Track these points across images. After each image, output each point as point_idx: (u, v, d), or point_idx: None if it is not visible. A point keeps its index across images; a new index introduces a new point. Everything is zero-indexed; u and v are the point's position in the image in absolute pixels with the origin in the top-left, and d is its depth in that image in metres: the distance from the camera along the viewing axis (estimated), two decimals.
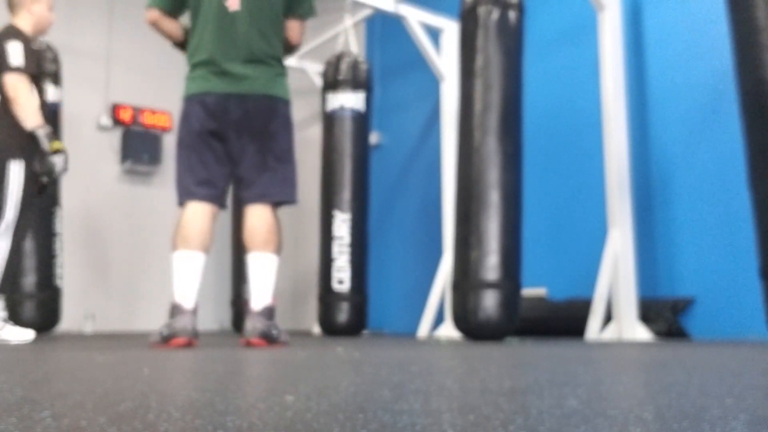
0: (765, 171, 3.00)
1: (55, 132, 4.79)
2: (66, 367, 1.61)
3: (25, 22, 3.58)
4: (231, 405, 0.80)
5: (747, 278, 3.49)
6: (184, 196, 2.94)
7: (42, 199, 3.69)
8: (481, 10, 3.92)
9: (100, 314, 5.84)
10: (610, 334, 3.99)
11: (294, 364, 1.66)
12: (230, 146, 2.89)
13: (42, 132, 3.41)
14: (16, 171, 3.40)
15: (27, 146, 3.43)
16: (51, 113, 4.77)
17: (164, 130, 6.31)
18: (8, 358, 1.96)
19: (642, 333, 3.96)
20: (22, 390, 0.98)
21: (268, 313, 2.78)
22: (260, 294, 2.82)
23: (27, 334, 3.32)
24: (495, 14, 3.91)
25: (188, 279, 2.81)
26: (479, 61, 3.89)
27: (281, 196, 2.92)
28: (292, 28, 2.98)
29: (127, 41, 6.24)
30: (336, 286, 5.00)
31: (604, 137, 4.22)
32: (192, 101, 2.90)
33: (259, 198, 2.89)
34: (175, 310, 2.76)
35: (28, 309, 4.55)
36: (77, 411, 0.75)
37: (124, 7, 6.29)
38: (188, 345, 2.70)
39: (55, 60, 4.81)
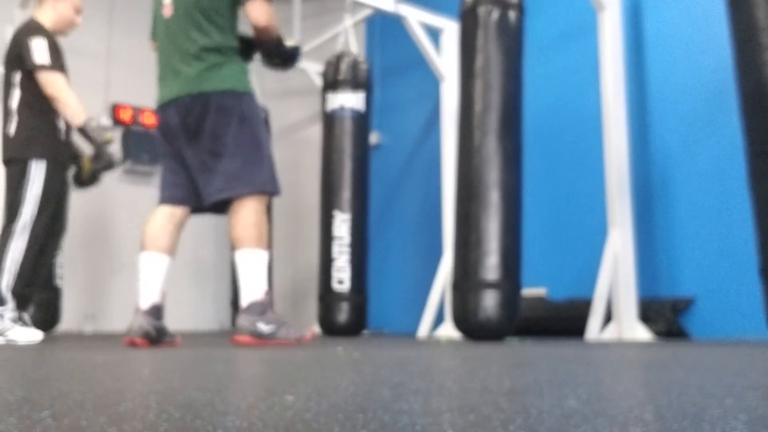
0: (765, 171, 3.00)
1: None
2: (66, 367, 1.61)
3: (46, 17, 3.53)
4: (231, 405, 0.80)
5: (747, 278, 3.49)
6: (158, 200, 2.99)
7: (65, 206, 3.68)
8: (481, 10, 3.92)
9: (100, 314, 5.84)
10: (610, 334, 3.99)
11: (294, 364, 1.66)
12: (180, 152, 2.89)
13: (91, 126, 3.35)
14: (37, 171, 3.37)
15: (49, 145, 3.41)
16: None
17: None
18: (8, 358, 1.96)
19: (642, 333, 3.96)
20: (22, 390, 0.98)
21: (255, 309, 2.68)
22: (244, 290, 2.76)
23: (35, 335, 3.29)
24: (495, 14, 3.90)
25: (144, 279, 2.83)
26: (479, 61, 3.89)
27: (224, 194, 2.77)
28: (246, 12, 2.83)
29: (127, 41, 6.24)
30: (336, 286, 5.00)
31: (604, 137, 4.22)
32: (156, 113, 2.97)
33: (207, 199, 2.83)
34: (135, 310, 2.81)
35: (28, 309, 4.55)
36: (77, 411, 0.75)
37: (124, 7, 6.29)
38: (135, 344, 2.69)
39: None
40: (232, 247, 2.91)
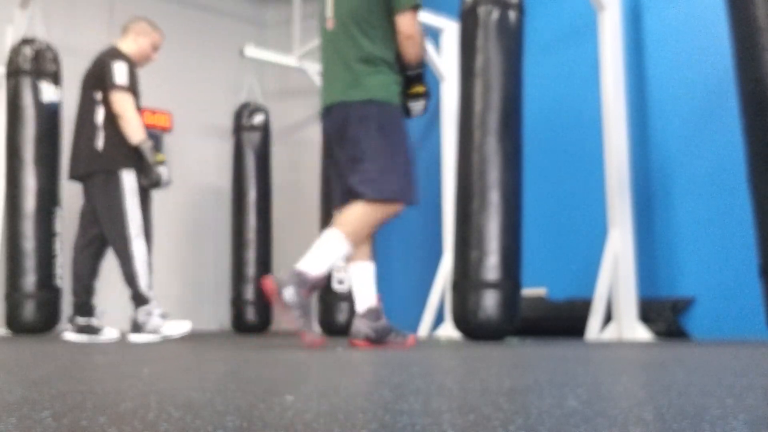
0: (765, 171, 3.00)
1: (56, 132, 4.80)
2: (66, 367, 1.61)
3: (128, 47, 3.91)
4: (231, 405, 0.80)
5: (747, 278, 3.49)
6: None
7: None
8: (481, 10, 3.92)
9: (100, 314, 5.83)
10: (610, 334, 3.99)
11: (294, 364, 1.66)
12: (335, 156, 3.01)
13: (147, 146, 3.72)
14: (129, 179, 3.71)
15: (134, 156, 3.73)
16: (51, 113, 4.79)
17: (164, 130, 6.31)
18: (8, 358, 1.96)
19: (642, 333, 3.96)
20: (22, 390, 0.98)
21: (371, 315, 2.81)
22: (358, 297, 2.88)
23: (185, 326, 3.65)
24: (495, 14, 3.90)
25: (356, 287, 2.93)
26: (479, 61, 3.89)
27: (358, 196, 2.83)
28: (397, 21, 2.90)
29: None
30: (336, 286, 5.00)
31: (604, 137, 4.22)
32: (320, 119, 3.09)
33: (343, 202, 2.94)
34: (355, 314, 2.91)
35: (28, 309, 4.55)
36: (77, 411, 0.75)
37: (124, 7, 6.29)
38: (357, 346, 2.78)
39: (55, 60, 4.81)
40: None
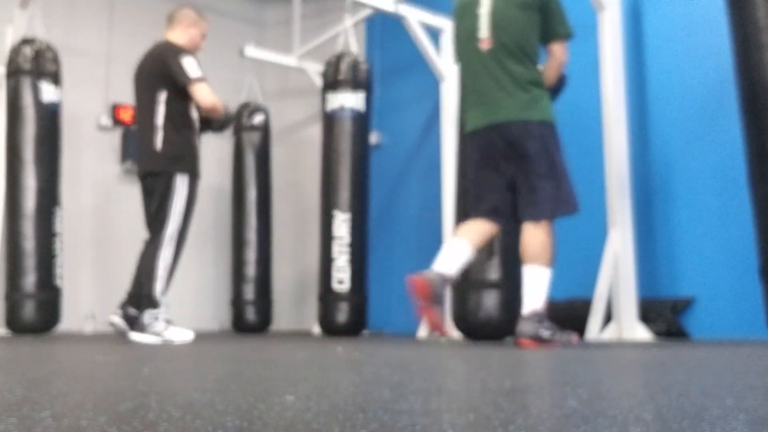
0: (765, 171, 3.00)
1: (56, 132, 4.80)
2: (66, 367, 1.61)
3: (180, 39, 3.87)
4: (231, 405, 0.80)
5: (747, 278, 3.49)
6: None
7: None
8: None
9: (100, 314, 5.84)
10: (610, 334, 3.99)
11: (294, 364, 1.66)
12: (501, 171, 3.17)
13: (227, 113, 4.00)
14: (182, 184, 3.70)
15: (190, 161, 3.76)
16: (51, 113, 4.79)
17: None
18: (8, 358, 1.96)
19: (642, 333, 3.96)
20: (22, 390, 0.98)
21: (536, 317, 2.97)
22: (528, 300, 3.03)
23: (188, 335, 3.59)
24: None
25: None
26: None
27: (538, 215, 3.09)
28: (552, 50, 3.17)
29: (127, 41, 6.23)
30: (336, 286, 4.99)
31: (604, 137, 4.22)
32: (473, 136, 3.24)
33: (523, 217, 3.15)
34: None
35: (28, 309, 4.55)
36: (77, 411, 0.75)
37: (124, 7, 6.29)
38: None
39: (55, 60, 4.81)
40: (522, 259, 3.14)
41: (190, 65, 3.70)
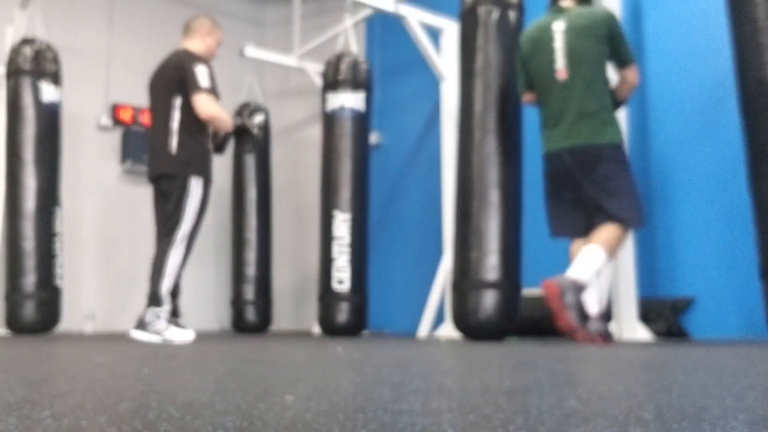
0: (765, 171, 3.00)
1: (56, 132, 4.80)
2: (66, 367, 1.61)
3: (197, 48, 3.95)
4: (231, 405, 0.80)
5: (747, 278, 3.49)
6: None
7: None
8: (481, 10, 3.92)
9: (100, 314, 5.84)
10: None
11: (294, 364, 1.66)
12: (577, 191, 3.46)
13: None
14: (196, 187, 3.79)
15: (204, 165, 3.86)
16: (51, 113, 4.79)
17: None
18: (8, 358, 1.96)
19: (642, 333, 3.96)
20: (22, 390, 0.98)
21: (574, 285, 3.16)
22: (574, 269, 3.22)
23: (188, 335, 3.64)
24: (495, 14, 3.90)
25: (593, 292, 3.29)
26: (479, 61, 3.89)
27: (615, 220, 3.32)
28: (625, 73, 3.50)
29: (127, 41, 6.24)
30: (336, 286, 4.99)
31: None
32: (549, 159, 3.52)
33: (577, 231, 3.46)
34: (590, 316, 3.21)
35: (28, 309, 4.55)
36: (77, 411, 0.75)
37: (124, 7, 6.29)
38: (594, 342, 3.08)
39: (55, 60, 4.81)
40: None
41: (201, 74, 3.79)
